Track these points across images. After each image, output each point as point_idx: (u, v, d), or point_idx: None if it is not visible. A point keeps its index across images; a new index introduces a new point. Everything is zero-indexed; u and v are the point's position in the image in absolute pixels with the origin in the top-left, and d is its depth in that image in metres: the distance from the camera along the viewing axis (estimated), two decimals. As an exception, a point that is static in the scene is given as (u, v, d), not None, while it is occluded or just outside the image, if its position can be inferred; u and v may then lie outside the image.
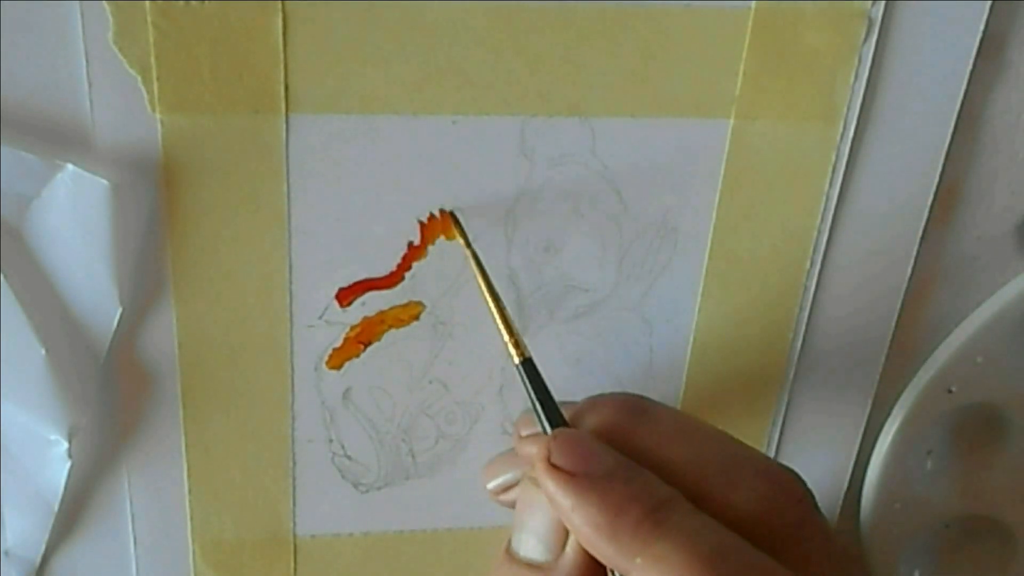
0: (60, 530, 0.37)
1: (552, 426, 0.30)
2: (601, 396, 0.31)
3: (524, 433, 0.33)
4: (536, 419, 0.31)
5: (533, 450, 0.30)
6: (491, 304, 0.32)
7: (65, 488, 0.36)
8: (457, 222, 0.34)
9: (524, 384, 0.31)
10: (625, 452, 0.29)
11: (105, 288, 0.33)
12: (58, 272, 0.33)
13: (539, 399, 0.30)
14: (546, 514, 0.30)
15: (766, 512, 0.29)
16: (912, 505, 0.44)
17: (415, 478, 0.40)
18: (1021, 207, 0.39)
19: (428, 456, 0.40)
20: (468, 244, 0.34)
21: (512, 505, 0.32)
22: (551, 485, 0.28)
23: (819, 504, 0.31)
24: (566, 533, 0.30)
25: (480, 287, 0.33)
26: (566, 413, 0.31)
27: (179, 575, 0.39)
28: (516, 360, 0.31)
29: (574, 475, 0.28)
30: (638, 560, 0.27)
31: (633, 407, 0.30)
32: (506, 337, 0.32)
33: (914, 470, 0.43)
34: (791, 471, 0.31)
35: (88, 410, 0.35)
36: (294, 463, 0.38)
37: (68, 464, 0.35)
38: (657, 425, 0.30)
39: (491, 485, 0.34)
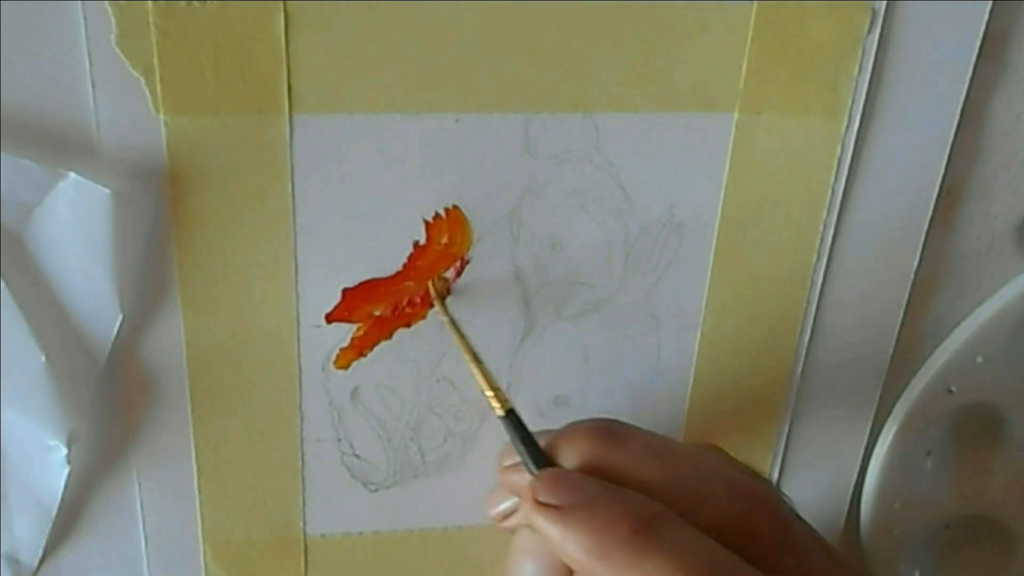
0: (59, 535, 0.37)
1: (537, 468, 0.31)
2: (573, 424, 0.31)
3: (507, 463, 0.34)
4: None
5: (515, 478, 0.32)
6: (471, 363, 0.33)
7: (64, 493, 0.36)
8: (436, 290, 0.36)
9: (510, 433, 0.32)
10: (605, 478, 0.30)
11: (106, 295, 0.33)
12: (59, 279, 0.33)
13: (524, 445, 0.31)
14: (539, 558, 0.31)
15: (740, 527, 0.29)
16: (912, 505, 0.44)
17: (424, 477, 0.40)
18: (1021, 207, 0.39)
19: (437, 454, 0.40)
20: (445, 309, 0.35)
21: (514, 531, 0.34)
22: (540, 520, 0.29)
23: (814, 512, 0.31)
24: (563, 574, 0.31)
25: (459, 347, 0.34)
26: (544, 440, 0.31)
27: (190, 576, 0.40)
28: (500, 413, 0.32)
29: (560, 507, 0.29)
30: None
31: (605, 432, 0.31)
32: (488, 392, 0.33)
33: (914, 470, 0.43)
34: (766, 484, 0.31)
35: (88, 416, 0.35)
36: (303, 463, 0.38)
37: (67, 469, 0.35)
38: (630, 448, 0.30)
39: (494, 512, 0.35)
